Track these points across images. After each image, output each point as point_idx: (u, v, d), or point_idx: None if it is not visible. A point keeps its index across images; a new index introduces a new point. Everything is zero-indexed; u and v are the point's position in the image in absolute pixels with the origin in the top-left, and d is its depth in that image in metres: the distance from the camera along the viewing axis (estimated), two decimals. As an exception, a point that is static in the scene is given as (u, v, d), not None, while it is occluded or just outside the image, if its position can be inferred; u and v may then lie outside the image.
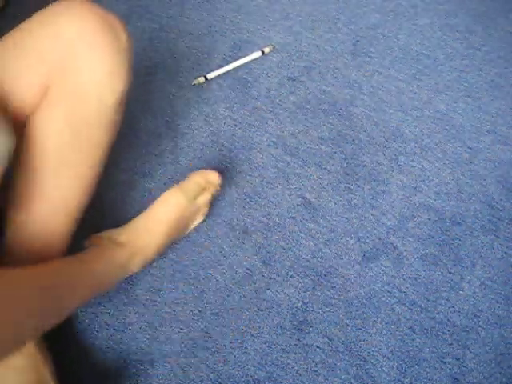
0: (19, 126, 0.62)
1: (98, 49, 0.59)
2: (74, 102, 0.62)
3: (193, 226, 0.88)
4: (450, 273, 0.89)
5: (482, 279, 0.89)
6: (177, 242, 0.87)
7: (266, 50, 1.14)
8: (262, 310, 0.84)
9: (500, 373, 0.80)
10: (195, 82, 1.09)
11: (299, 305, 0.84)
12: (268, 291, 0.86)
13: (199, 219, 0.87)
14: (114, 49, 0.60)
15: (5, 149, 0.57)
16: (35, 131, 0.63)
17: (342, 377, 0.79)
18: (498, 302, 0.86)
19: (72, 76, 0.60)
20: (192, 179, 0.83)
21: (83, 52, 0.59)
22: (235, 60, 1.11)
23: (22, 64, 0.60)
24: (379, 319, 0.84)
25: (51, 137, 0.63)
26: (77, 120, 0.63)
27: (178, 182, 0.94)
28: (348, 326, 0.83)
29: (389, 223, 0.94)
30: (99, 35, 0.59)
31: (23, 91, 0.61)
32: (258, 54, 1.13)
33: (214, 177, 0.84)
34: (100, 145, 0.67)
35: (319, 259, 0.89)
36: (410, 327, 0.83)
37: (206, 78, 1.09)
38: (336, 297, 0.86)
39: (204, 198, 0.84)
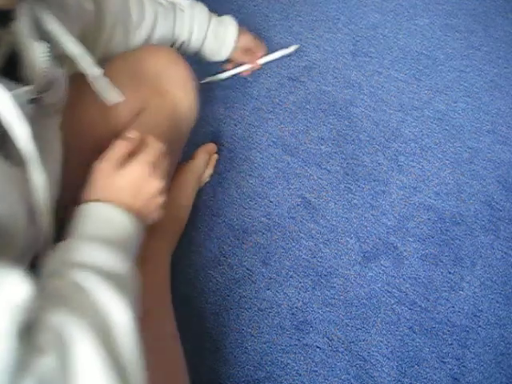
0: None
1: (188, 84, 0.78)
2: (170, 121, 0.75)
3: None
4: (449, 273, 0.89)
5: (482, 279, 0.89)
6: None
7: (292, 48, 1.11)
8: (261, 310, 0.84)
9: (500, 373, 0.80)
10: (195, 82, 1.08)
11: (299, 305, 0.84)
12: (268, 291, 0.86)
13: (206, 180, 0.97)
14: (195, 88, 0.79)
15: None
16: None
17: (342, 377, 0.79)
18: (497, 302, 0.86)
19: (166, 101, 0.74)
20: (199, 158, 0.93)
21: (176, 85, 0.76)
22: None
23: (126, 90, 0.69)
24: (379, 319, 0.84)
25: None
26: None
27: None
28: (348, 326, 0.83)
29: (389, 223, 0.94)
30: (189, 77, 0.79)
31: (127, 110, 0.71)
32: (286, 51, 1.09)
33: (212, 148, 0.97)
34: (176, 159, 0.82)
35: (319, 259, 0.89)
36: (410, 327, 0.83)
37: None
38: (336, 297, 0.86)
39: (208, 172, 0.96)
